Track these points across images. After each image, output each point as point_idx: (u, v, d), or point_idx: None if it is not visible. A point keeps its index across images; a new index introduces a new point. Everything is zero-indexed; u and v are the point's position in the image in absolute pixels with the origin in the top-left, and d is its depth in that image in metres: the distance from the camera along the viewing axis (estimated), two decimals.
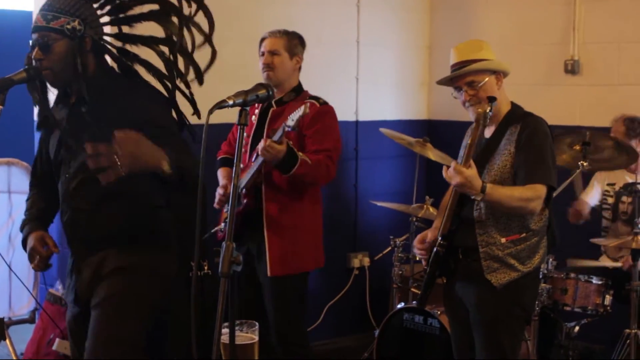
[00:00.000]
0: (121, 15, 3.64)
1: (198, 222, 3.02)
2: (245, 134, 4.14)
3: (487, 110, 3.83)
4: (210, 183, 5.01)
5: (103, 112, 3.43)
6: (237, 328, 2.97)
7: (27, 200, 3.91)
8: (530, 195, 3.84)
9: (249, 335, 3.09)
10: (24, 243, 3.75)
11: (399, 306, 5.39)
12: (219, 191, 4.98)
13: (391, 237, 5.82)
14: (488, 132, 4.08)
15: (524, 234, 3.96)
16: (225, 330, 2.92)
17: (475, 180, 3.78)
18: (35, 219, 3.81)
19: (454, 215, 3.97)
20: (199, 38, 3.63)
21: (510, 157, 3.93)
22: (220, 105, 2.94)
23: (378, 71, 6.90)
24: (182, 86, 3.68)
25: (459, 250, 4.02)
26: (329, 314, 6.50)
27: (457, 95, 4.03)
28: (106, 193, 3.42)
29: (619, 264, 5.43)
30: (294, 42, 4.86)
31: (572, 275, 5.17)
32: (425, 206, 5.66)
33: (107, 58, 3.66)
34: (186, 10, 3.63)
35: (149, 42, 3.64)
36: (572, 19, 6.34)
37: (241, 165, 4.84)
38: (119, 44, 3.65)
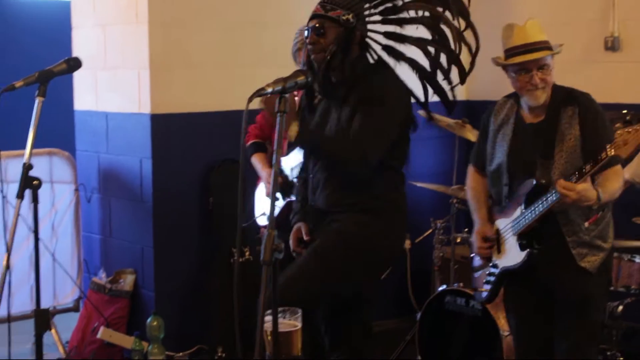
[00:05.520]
0: (394, 17, 4.05)
1: (240, 209, 3.05)
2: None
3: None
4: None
5: (349, 96, 3.89)
6: (279, 315, 2.98)
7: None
8: (622, 178, 3.86)
9: (292, 323, 3.09)
10: None
11: (440, 289, 5.38)
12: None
13: (432, 219, 5.81)
14: (532, 118, 3.99)
15: (600, 212, 3.91)
16: (268, 318, 2.93)
17: (590, 192, 3.66)
18: None
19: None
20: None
21: (577, 142, 3.83)
22: (259, 93, 2.99)
23: (415, 51, 6.86)
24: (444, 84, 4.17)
25: (541, 239, 3.92)
26: None
27: (515, 77, 3.91)
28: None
29: None
30: None
31: (615, 254, 5.11)
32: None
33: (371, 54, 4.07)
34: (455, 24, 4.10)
35: (418, 41, 4.08)
36: None
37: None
38: (387, 41, 4.09)
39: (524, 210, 3.91)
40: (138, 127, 5.76)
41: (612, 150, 3.51)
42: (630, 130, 3.53)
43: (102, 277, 6.03)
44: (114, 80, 5.98)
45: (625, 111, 4.98)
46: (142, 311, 5.80)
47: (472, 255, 4.33)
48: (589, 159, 3.67)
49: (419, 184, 5.89)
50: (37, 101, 3.72)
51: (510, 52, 3.93)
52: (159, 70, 5.67)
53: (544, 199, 3.78)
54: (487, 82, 6.99)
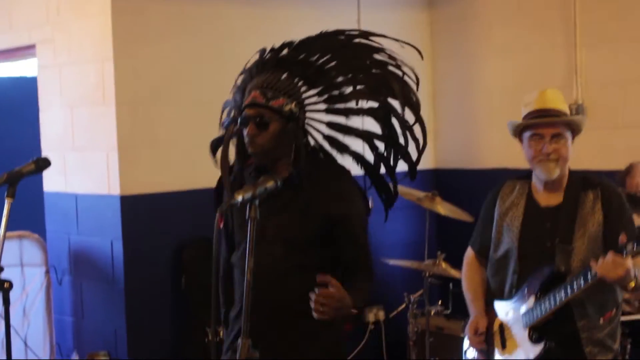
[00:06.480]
0: (340, 106, 3.61)
1: (214, 290, 3.04)
2: None
3: None
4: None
5: (301, 199, 3.46)
6: None
7: (222, 294, 3.75)
8: None
9: None
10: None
11: None
12: None
13: (405, 293, 5.81)
14: (548, 200, 3.77)
15: (614, 309, 3.69)
16: None
17: (632, 271, 3.36)
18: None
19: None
20: None
21: (600, 227, 3.63)
22: (230, 203, 2.97)
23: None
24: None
25: (554, 333, 3.64)
26: None
27: (528, 144, 3.70)
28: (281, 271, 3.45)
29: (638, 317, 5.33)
30: None
31: None
32: (437, 262, 5.64)
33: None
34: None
35: (365, 135, 3.63)
36: (573, 62, 6.35)
37: None
38: (330, 131, 3.65)
39: (539, 301, 3.63)
40: (108, 209, 5.75)
41: None
42: None
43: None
44: (83, 161, 5.97)
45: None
46: None
47: (466, 351, 4.07)
48: (612, 247, 3.39)
49: (391, 262, 5.89)
50: (7, 203, 3.70)
51: (526, 117, 3.74)
52: (127, 151, 5.68)
53: (570, 283, 3.50)
54: (455, 150, 7.08)
